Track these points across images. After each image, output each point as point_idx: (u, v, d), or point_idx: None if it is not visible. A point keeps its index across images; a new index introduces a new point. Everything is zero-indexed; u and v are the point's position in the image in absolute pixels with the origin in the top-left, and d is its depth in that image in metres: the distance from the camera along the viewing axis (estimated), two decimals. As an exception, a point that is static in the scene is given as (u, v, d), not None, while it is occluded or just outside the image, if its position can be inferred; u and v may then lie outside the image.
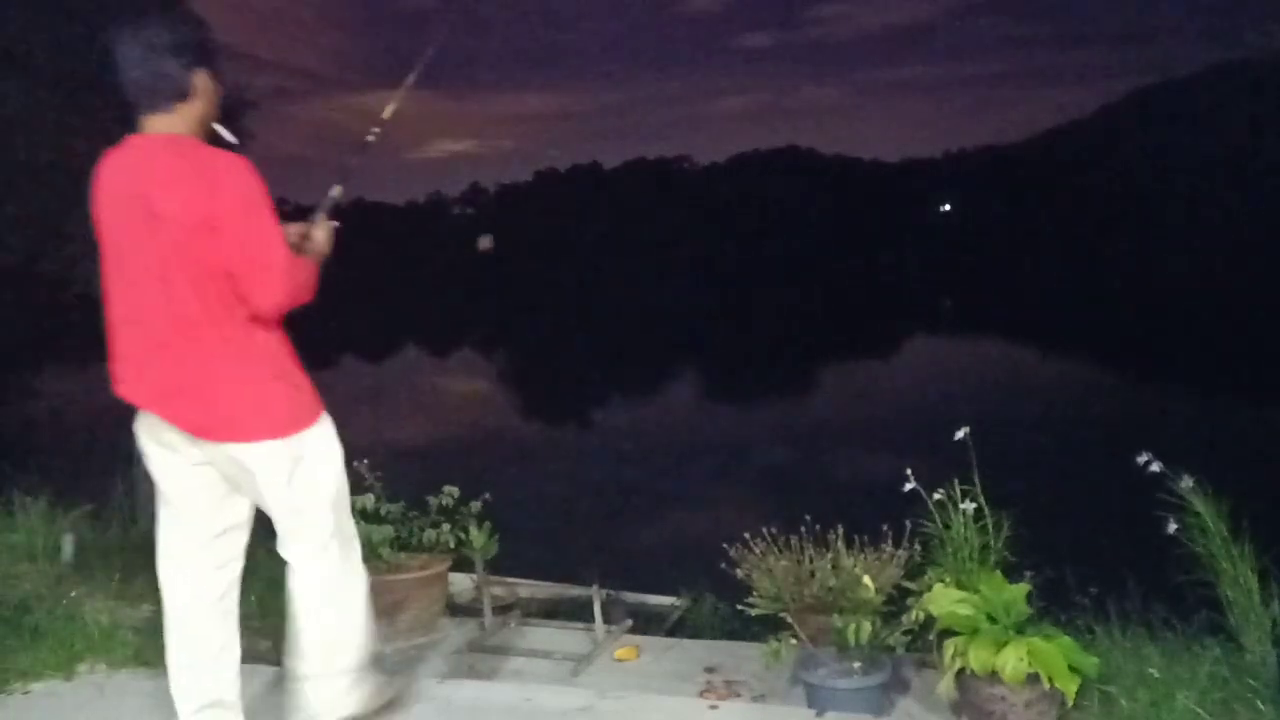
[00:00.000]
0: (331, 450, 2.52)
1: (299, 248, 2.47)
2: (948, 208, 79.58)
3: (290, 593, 2.53)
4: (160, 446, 2.43)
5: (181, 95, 2.35)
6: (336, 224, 2.58)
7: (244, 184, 2.29)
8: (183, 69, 2.35)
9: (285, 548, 2.51)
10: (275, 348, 2.42)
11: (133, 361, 2.38)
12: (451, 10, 2.88)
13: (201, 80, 2.38)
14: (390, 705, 2.78)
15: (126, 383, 2.39)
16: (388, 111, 2.78)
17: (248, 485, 2.44)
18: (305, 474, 2.44)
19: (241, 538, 2.56)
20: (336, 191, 2.66)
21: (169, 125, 2.36)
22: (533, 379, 25.90)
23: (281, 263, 2.32)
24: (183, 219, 2.25)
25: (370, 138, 2.76)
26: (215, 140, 2.42)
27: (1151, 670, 2.76)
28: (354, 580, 2.57)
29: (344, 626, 2.55)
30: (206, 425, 2.35)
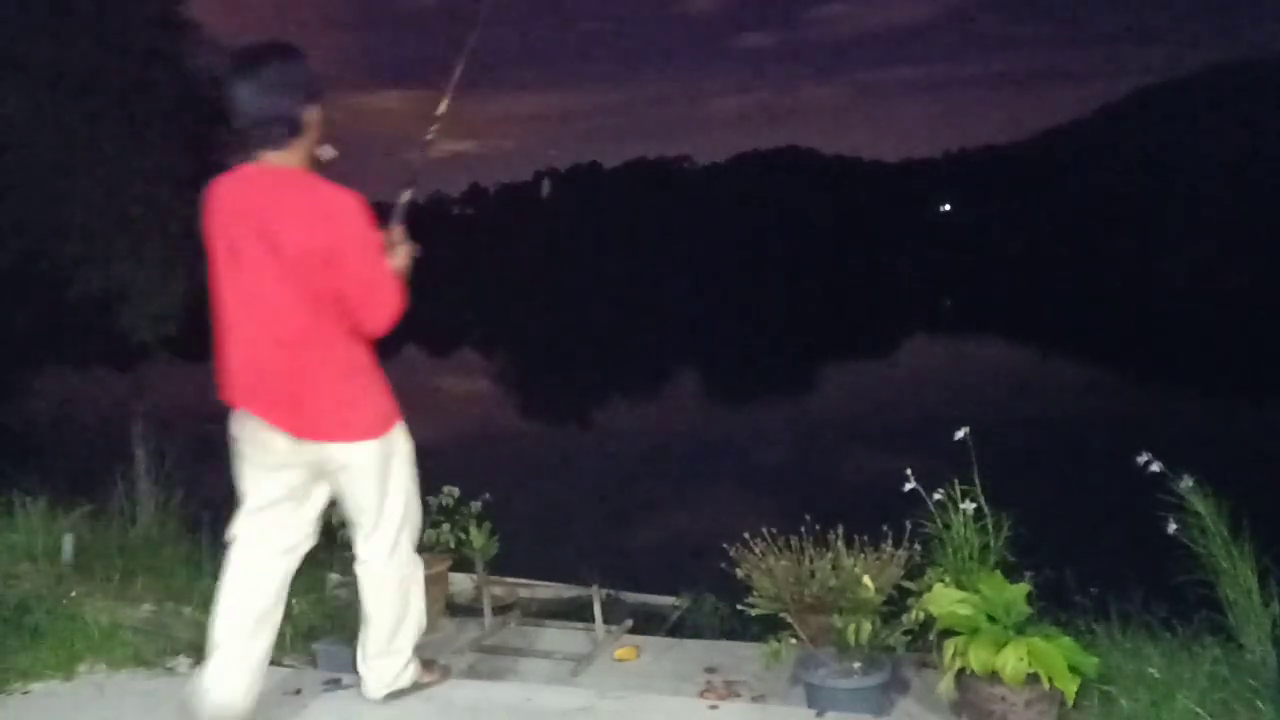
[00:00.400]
0: (408, 448, 2.81)
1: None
2: (948, 208, 79.64)
3: (359, 580, 2.82)
4: (256, 443, 2.64)
5: (297, 131, 2.53)
6: (418, 248, 2.75)
7: (360, 224, 2.52)
8: (297, 105, 2.52)
9: (360, 541, 2.79)
10: (367, 362, 2.68)
11: (242, 370, 2.60)
12: (486, 5, 2.93)
13: (312, 114, 2.55)
14: (439, 678, 3.08)
15: (234, 389, 2.61)
16: (442, 106, 2.86)
17: (340, 479, 2.69)
18: (392, 469, 2.73)
19: (314, 518, 2.77)
20: (407, 196, 2.80)
21: (283, 159, 2.54)
22: (533, 379, 25.88)
23: (393, 295, 2.61)
24: (304, 252, 2.47)
25: (430, 136, 2.87)
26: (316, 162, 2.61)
27: (1151, 670, 2.76)
28: (416, 570, 2.89)
29: (407, 612, 2.86)
30: (306, 428, 2.59)
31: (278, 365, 2.55)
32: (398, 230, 2.72)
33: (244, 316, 2.56)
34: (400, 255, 2.70)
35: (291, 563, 2.76)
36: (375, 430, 2.67)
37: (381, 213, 2.67)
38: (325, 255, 2.48)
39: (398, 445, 2.76)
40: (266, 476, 2.67)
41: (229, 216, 2.55)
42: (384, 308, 2.59)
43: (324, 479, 2.72)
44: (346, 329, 2.59)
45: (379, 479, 2.71)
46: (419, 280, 2.87)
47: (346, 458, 2.65)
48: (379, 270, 2.58)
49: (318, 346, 2.56)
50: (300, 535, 2.75)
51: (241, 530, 2.72)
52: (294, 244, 2.47)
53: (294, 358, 2.55)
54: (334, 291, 2.52)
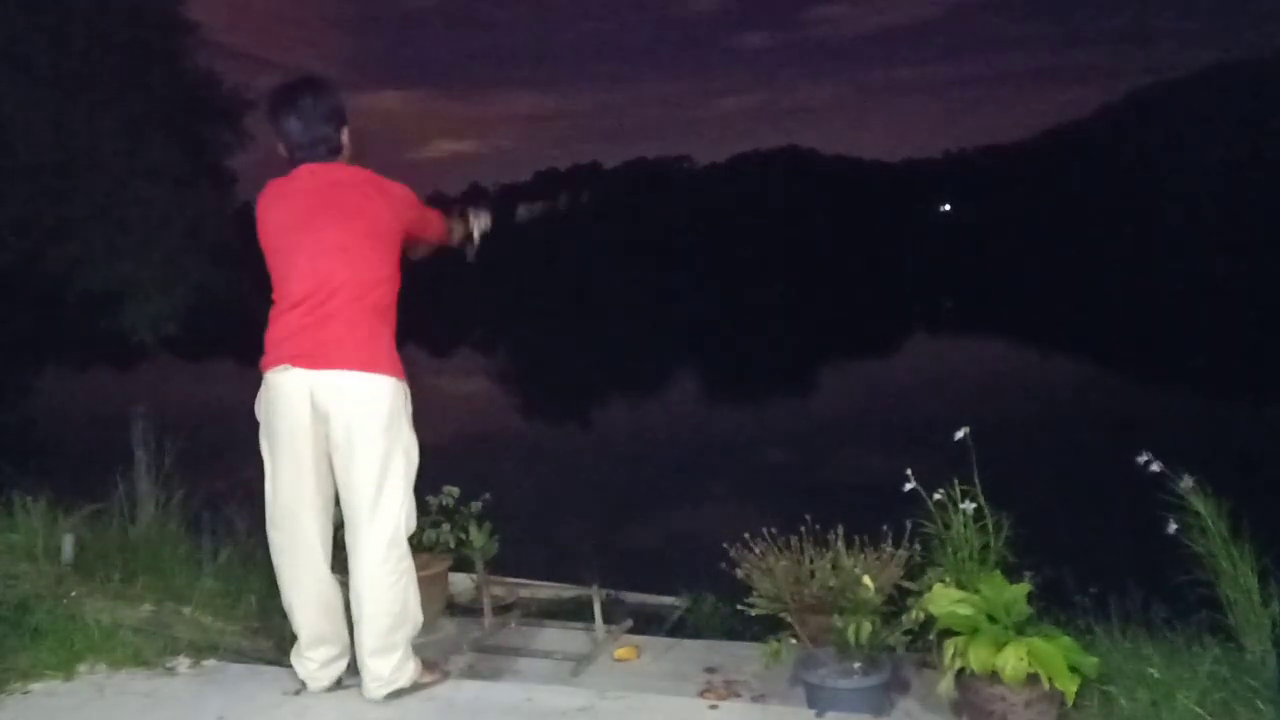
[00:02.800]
0: (414, 445, 2.99)
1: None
2: (948, 208, 79.60)
3: (353, 570, 2.90)
4: (275, 410, 2.89)
5: (337, 151, 2.99)
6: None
7: (410, 195, 3.03)
8: (335, 130, 2.98)
9: (360, 524, 2.89)
10: (392, 330, 2.97)
11: (296, 329, 2.86)
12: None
13: (347, 135, 3.02)
14: (439, 678, 3.12)
15: (278, 347, 2.88)
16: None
17: (355, 421, 2.82)
18: (400, 423, 2.90)
19: (334, 501, 2.97)
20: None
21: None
22: (533, 379, 25.87)
23: (440, 223, 3.23)
24: (371, 218, 2.89)
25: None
26: None
27: (1151, 670, 2.76)
28: (411, 567, 2.99)
29: (403, 608, 2.93)
30: (337, 358, 2.83)
31: (334, 306, 2.83)
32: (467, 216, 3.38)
33: (312, 274, 2.85)
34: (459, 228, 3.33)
35: (325, 544, 2.98)
36: (391, 371, 2.89)
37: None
38: (389, 229, 2.91)
39: (407, 402, 2.95)
40: (285, 448, 2.89)
41: (298, 200, 2.92)
42: (438, 231, 3.21)
43: (331, 448, 2.88)
44: (394, 299, 2.96)
45: (385, 423, 2.85)
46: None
47: (363, 387, 2.83)
48: (435, 222, 3.18)
49: (369, 298, 2.87)
50: (326, 516, 2.97)
51: (274, 520, 2.96)
52: (362, 212, 2.88)
53: (349, 301, 2.84)
54: (399, 241, 2.95)
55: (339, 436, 2.85)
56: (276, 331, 2.91)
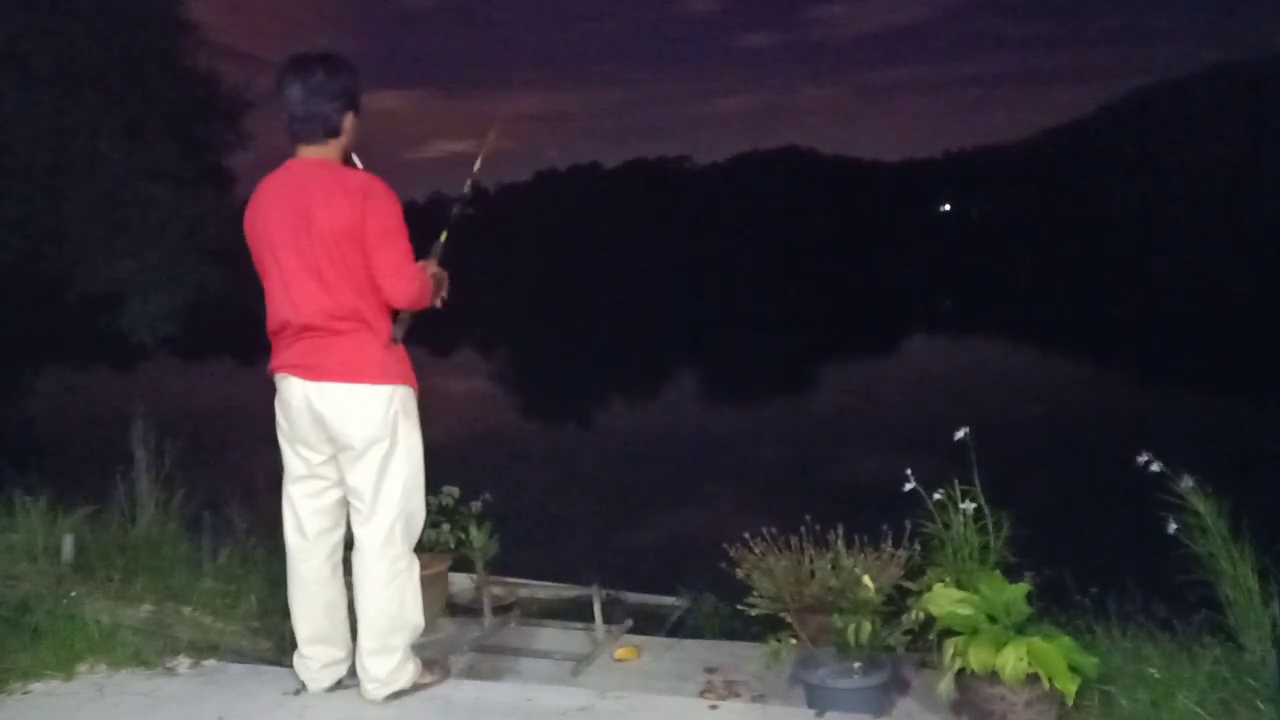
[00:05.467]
0: (417, 430, 2.96)
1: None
2: (948, 208, 79.73)
3: (354, 573, 2.93)
4: (285, 409, 2.92)
5: (333, 133, 2.87)
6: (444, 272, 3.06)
7: (382, 203, 2.80)
8: (337, 111, 2.85)
9: (358, 524, 2.92)
10: (383, 333, 2.88)
11: (289, 342, 2.88)
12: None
13: (349, 121, 2.89)
14: (439, 678, 3.11)
15: (280, 356, 2.91)
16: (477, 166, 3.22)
17: (351, 428, 2.82)
18: (398, 426, 2.87)
19: (343, 503, 2.98)
20: (442, 238, 3.09)
21: (319, 154, 2.87)
22: (533, 379, 25.88)
23: (410, 274, 2.86)
24: (334, 230, 2.75)
25: (466, 190, 3.22)
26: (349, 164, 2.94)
27: (1151, 670, 2.76)
28: (411, 568, 2.97)
29: (402, 609, 2.92)
30: (328, 370, 2.82)
31: (317, 329, 2.82)
32: (432, 264, 3.00)
33: (290, 292, 2.81)
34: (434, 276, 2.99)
35: (331, 543, 3.00)
36: (386, 378, 2.85)
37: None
38: (351, 231, 2.75)
39: (407, 405, 2.91)
40: (293, 449, 2.94)
41: (270, 208, 2.84)
42: (403, 288, 2.84)
43: (337, 451, 2.89)
44: (377, 303, 2.84)
45: (381, 429, 2.83)
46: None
47: (356, 398, 2.82)
48: (402, 251, 2.84)
49: (351, 318, 2.81)
50: (335, 514, 2.99)
51: (288, 516, 2.99)
52: (325, 223, 2.75)
53: (330, 324, 2.80)
54: (366, 268, 2.79)
55: (339, 441, 2.88)
56: (275, 341, 2.94)
